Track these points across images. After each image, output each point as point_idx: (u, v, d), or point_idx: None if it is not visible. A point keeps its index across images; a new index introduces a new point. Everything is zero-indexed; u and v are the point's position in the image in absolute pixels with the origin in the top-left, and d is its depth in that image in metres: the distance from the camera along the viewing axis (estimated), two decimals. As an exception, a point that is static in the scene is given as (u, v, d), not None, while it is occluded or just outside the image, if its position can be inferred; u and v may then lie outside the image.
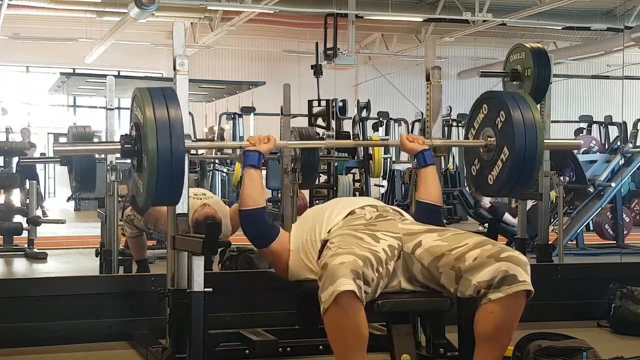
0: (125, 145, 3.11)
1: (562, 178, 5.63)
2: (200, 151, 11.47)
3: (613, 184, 8.14)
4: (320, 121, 9.32)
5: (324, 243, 3.03)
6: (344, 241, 2.92)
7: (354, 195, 9.32)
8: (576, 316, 4.61)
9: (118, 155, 3.31)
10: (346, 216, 3.19)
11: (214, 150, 12.92)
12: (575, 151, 9.08)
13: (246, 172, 3.25)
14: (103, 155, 5.38)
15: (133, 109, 3.14)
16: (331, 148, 8.51)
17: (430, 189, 3.43)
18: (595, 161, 8.94)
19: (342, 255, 2.77)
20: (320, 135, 9.07)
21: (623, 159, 8.38)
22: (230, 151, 12.90)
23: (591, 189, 8.01)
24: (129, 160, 3.25)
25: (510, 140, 3.31)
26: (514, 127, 3.29)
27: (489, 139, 3.47)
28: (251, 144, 3.27)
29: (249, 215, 3.22)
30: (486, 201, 8.56)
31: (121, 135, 3.17)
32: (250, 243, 3.45)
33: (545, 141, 3.51)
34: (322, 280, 2.72)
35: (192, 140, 3.38)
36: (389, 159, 11.93)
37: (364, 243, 2.90)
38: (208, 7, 15.30)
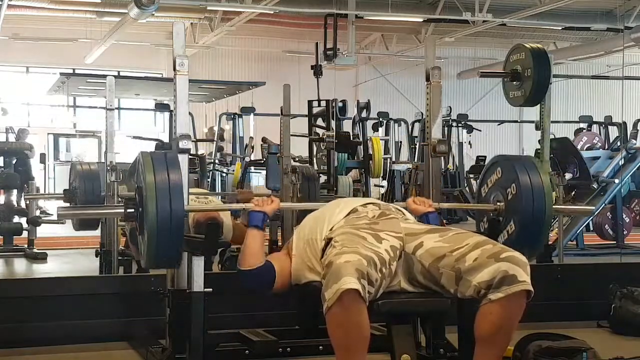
0: (128, 209, 3.11)
1: (561, 179, 5.61)
2: (200, 150, 11.51)
3: (616, 180, 8.11)
4: (320, 121, 9.32)
5: (328, 241, 3.02)
6: (349, 240, 2.91)
7: (354, 195, 9.30)
8: (576, 316, 4.61)
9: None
10: (348, 214, 3.18)
11: (214, 149, 13.01)
12: (579, 148, 9.08)
13: (249, 232, 3.25)
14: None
15: (138, 173, 3.14)
16: (331, 148, 8.49)
17: None
18: (598, 158, 8.90)
19: (347, 254, 2.77)
20: (320, 136, 9.06)
21: (626, 156, 8.34)
22: (230, 150, 12.95)
23: (595, 186, 7.97)
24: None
25: (519, 215, 3.38)
26: (523, 202, 3.36)
27: (498, 203, 3.50)
28: (256, 205, 3.28)
29: (249, 275, 3.20)
30: None
31: (125, 199, 3.19)
32: None
33: (554, 207, 3.57)
34: (326, 279, 2.72)
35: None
36: (389, 159, 11.93)
37: (367, 243, 2.90)
38: (208, 8, 15.28)
